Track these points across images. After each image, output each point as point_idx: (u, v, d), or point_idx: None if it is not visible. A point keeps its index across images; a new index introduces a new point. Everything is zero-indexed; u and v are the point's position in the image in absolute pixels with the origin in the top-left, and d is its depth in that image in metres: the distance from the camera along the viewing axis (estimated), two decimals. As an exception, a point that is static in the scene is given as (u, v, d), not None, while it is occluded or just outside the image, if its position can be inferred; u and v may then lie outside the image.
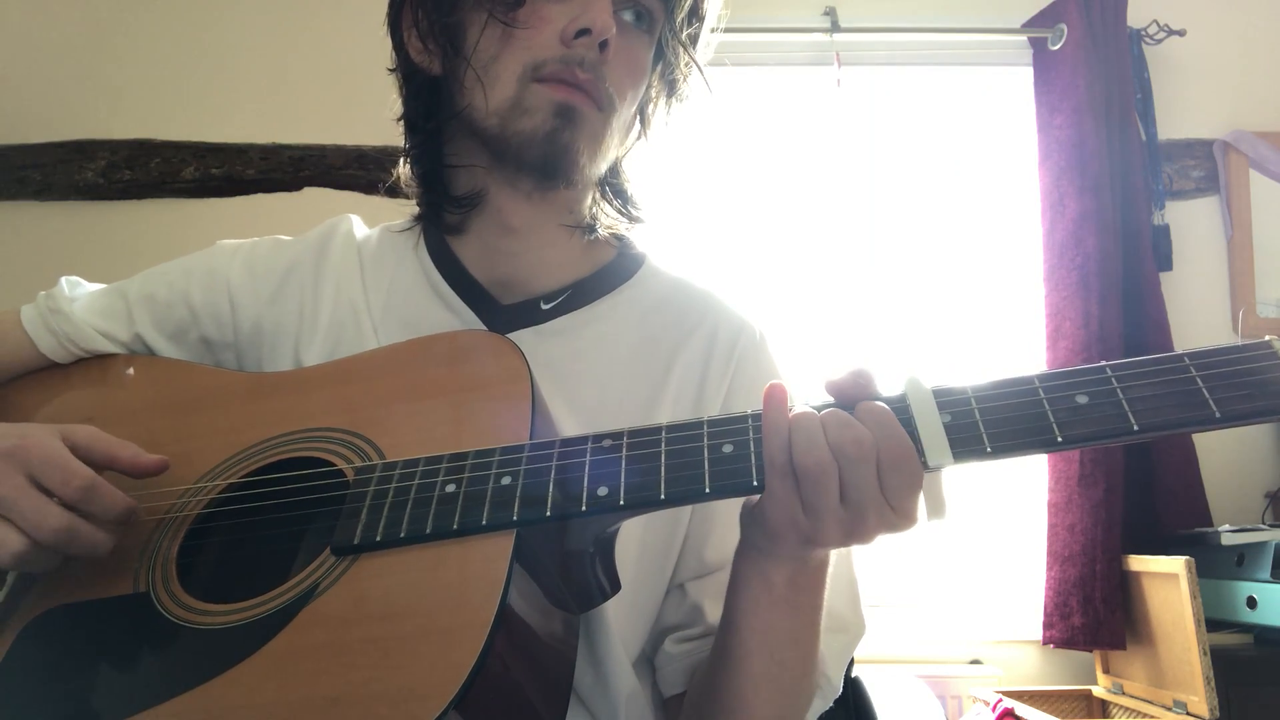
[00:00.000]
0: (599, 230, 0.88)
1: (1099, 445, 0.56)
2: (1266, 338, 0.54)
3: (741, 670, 0.68)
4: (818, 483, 0.57)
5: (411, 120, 0.87)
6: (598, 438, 0.63)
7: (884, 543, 0.60)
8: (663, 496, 0.59)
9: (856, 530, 0.58)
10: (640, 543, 0.79)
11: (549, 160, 0.78)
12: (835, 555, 0.73)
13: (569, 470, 0.61)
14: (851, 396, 0.60)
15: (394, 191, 0.92)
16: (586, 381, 0.82)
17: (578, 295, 0.87)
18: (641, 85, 0.84)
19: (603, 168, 0.84)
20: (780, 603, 0.66)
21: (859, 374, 0.61)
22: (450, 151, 0.86)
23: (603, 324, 0.86)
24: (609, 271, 0.89)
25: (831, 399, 0.61)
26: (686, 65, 0.87)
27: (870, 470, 0.57)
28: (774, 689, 0.69)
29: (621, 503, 0.59)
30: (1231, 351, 0.54)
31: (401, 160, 0.90)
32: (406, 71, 0.86)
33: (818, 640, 0.70)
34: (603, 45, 0.77)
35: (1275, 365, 0.53)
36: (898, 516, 0.58)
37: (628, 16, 0.81)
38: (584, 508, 0.59)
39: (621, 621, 0.78)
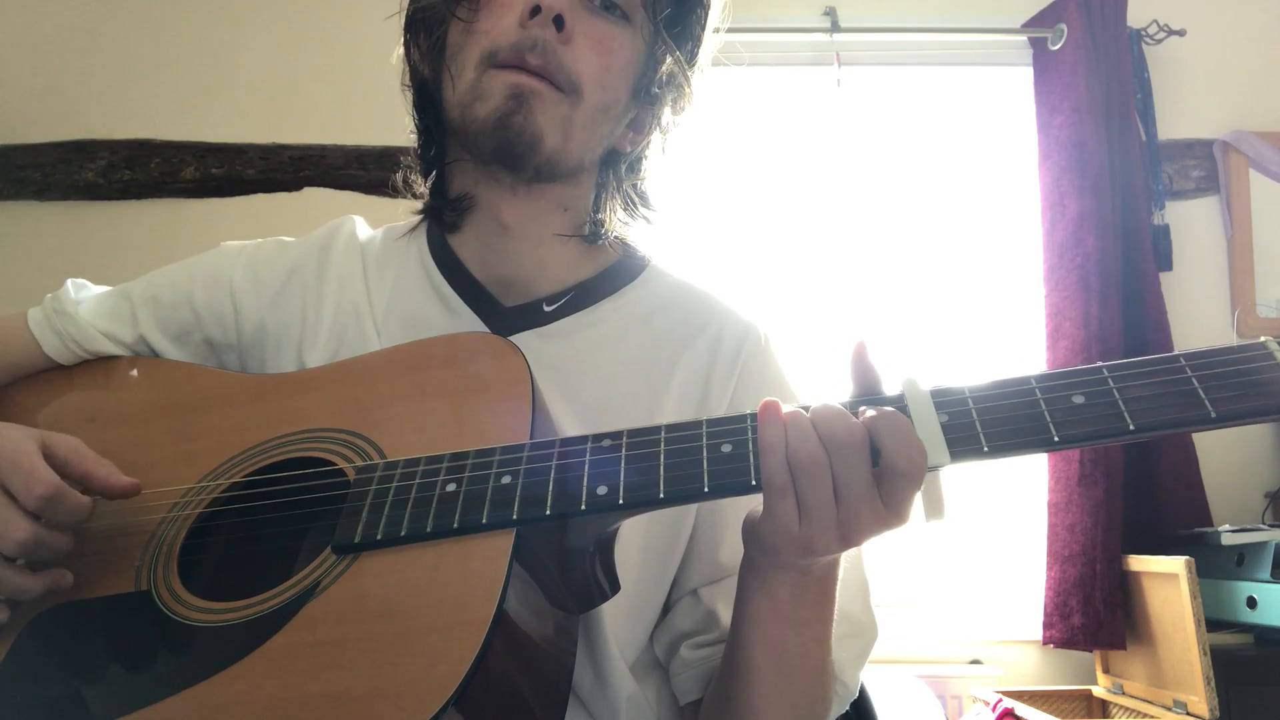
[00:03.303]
0: (604, 234, 0.87)
1: (1096, 445, 0.57)
2: (1262, 338, 0.55)
3: (750, 683, 0.68)
4: (812, 477, 0.57)
5: (416, 124, 0.89)
6: (597, 437, 0.63)
7: (883, 543, 0.60)
8: (661, 495, 0.59)
9: (851, 529, 0.58)
10: (641, 546, 0.79)
11: (504, 145, 0.78)
12: (846, 559, 0.73)
13: (569, 470, 0.61)
14: (861, 375, 0.62)
15: (394, 189, 0.93)
16: (589, 383, 0.82)
17: (580, 297, 0.86)
18: (618, 68, 0.82)
19: (582, 155, 0.83)
20: (785, 618, 0.66)
21: (855, 349, 0.63)
22: (448, 153, 0.87)
23: (605, 326, 0.86)
24: (612, 273, 0.89)
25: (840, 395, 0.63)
26: (674, 63, 0.85)
27: (861, 457, 0.57)
28: (784, 701, 0.69)
29: (621, 502, 0.59)
30: (1227, 352, 0.55)
31: (412, 163, 0.92)
32: (413, 79, 0.88)
33: (829, 652, 0.70)
34: (559, 24, 0.77)
35: (1270, 365, 0.53)
36: (889, 513, 0.57)
37: (595, 1, 0.81)
38: (583, 507, 0.60)
39: (618, 624, 0.78)
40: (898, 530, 0.59)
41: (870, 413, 0.58)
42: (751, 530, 0.64)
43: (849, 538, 0.59)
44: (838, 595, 0.69)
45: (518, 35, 0.77)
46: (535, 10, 0.76)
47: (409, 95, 0.89)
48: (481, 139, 0.79)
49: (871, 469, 0.57)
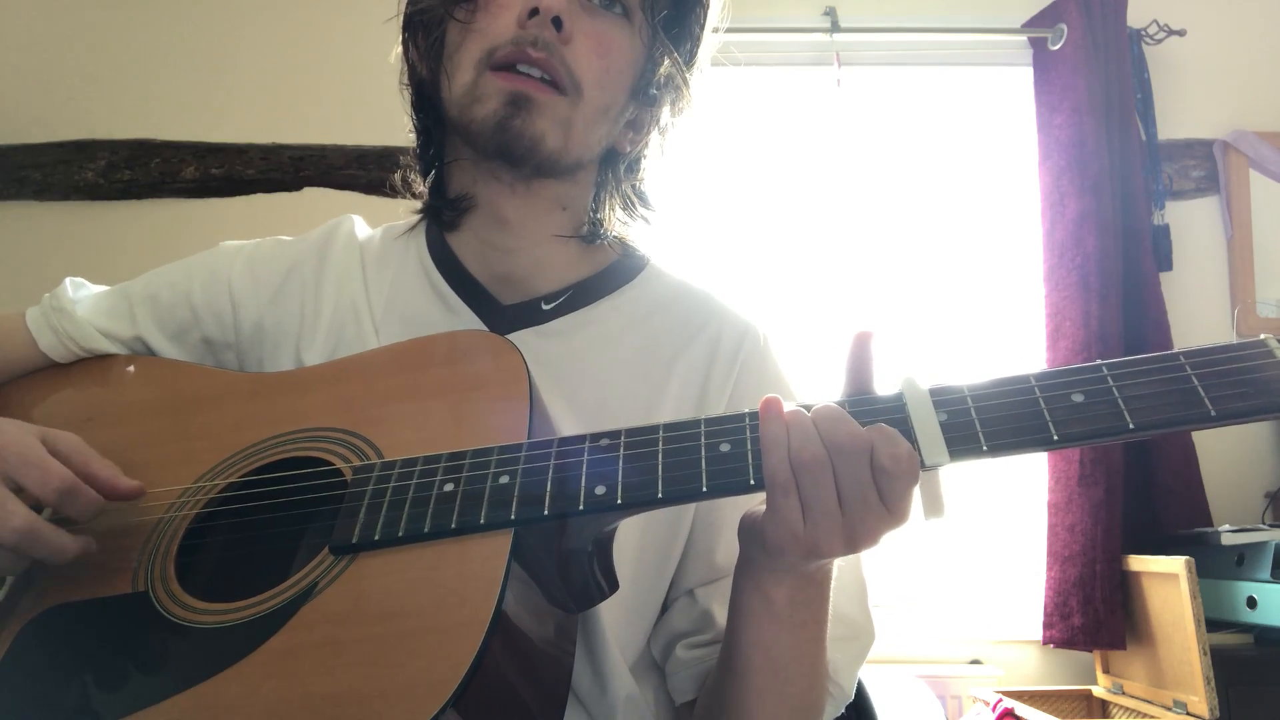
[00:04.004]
0: (603, 234, 0.87)
1: (1095, 444, 0.56)
2: (1261, 336, 0.55)
3: (745, 685, 0.68)
4: (815, 479, 0.57)
5: (414, 123, 0.89)
6: (595, 437, 0.63)
7: (883, 543, 0.60)
8: (660, 495, 0.59)
9: (857, 535, 0.58)
10: (638, 546, 0.78)
11: (505, 147, 0.78)
12: (841, 561, 0.73)
13: (566, 469, 0.61)
14: (857, 367, 0.62)
15: (393, 188, 0.93)
16: (587, 382, 0.82)
17: (579, 296, 0.86)
18: (617, 68, 0.82)
19: (582, 154, 0.83)
20: (781, 620, 0.66)
21: (858, 338, 0.62)
22: (446, 151, 0.87)
23: (604, 325, 0.85)
24: (611, 273, 0.89)
25: (836, 393, 0.62)
26: (672, 64, 0.85)
27: (864, 465, 0.57)
28: (779, 702, 0.69)
29: (619, 501, 0.59)
30: (1227, 350, 0.55)
31: (412, 162, 0.91)
32: (411, 78, 0.88)
33: (823, 654, 0.70)
34: (558, 24, 0.76)
35: (1270, 364, 0.53)
36: (893, 517, 0.58)
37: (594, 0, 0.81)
38: (581, 507, 0.59)
39: (617, 624, 0.78)
40: (899, 530, 0.59)
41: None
42: (752, 529, 0.63)
43: (856, 541, 0.58)
44: (835, 596, 0.69)
45: (515, 33, 0.77)
46: (533, 11, 0.76)
47: (407, 94, 0.89)
48: (482, 138, 0.79)
49: (873, 474, 0.57)
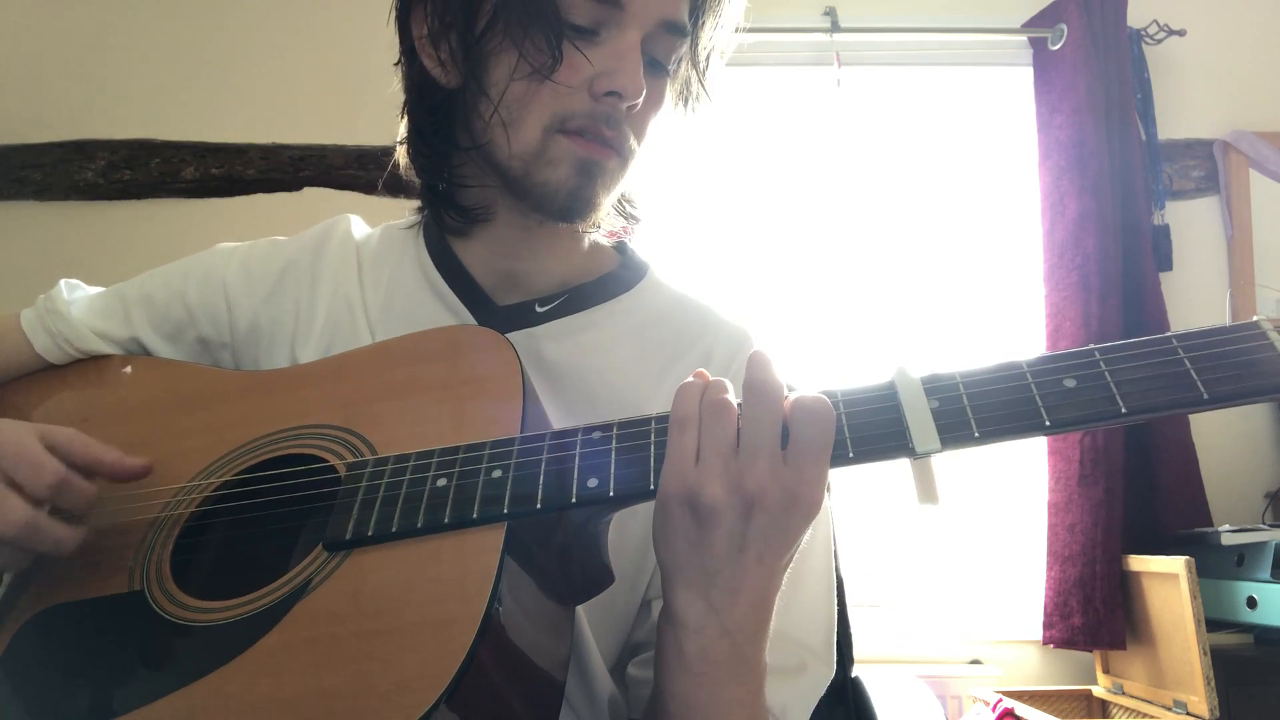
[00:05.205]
0: (600, 232, 0.87)
1: (1088, 428, 0.56)
2: (1254, 318, 0.54)
3: None
4: (719, 417, 0.58)
5: (420, 128, 0.84)
6: (588, 429, 0.63)
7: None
8: (652, 487, 0.59)
9: (745, 482, 0.56)
10: (616, 550, 0.77)
11: (570, 210, 0.78)
12: (813, 582, 0.72)
13: (559, 462, 0.61)
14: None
15: (393, 188, 0.91)
16: (577, 388, 0.81)
17: (574, 300, 0.86)
18: (657, 122, 0.82)
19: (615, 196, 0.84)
20: (693, 675, 0.61)
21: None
22: (461, 169, 0.84)
23: (597, 331, 0.85)
24: (609, 280, 0.88)
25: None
26: (700, 93, 0.85)
27: (772, 409, 0.57)
28: None
29: (611, 494, 0.59)
30: (1220, 333, 0.54)
31: (400, 148, 0.87)
32: (419, 80, 0.82)
33: (757, 713, 0.64)
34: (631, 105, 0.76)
35: (1263, 346, 0.53)
36: (792, 474, 0.56)
37: (656, 57, 0.79)
38: (574, 500, 0.59)
39: (596, 626, 0.77)
40: (807, 510, 0.57)
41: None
42: (654, 533, 0.61)
43: (742, 488, 0.56)
44: (793, 622, 0.67)
45: (591, 106, 0.75)
46: (612, 92, 0.74)
47: (403, 78, 0.84)
48: (547, 201, 0.78)
49: (782, 431, 0.57)
